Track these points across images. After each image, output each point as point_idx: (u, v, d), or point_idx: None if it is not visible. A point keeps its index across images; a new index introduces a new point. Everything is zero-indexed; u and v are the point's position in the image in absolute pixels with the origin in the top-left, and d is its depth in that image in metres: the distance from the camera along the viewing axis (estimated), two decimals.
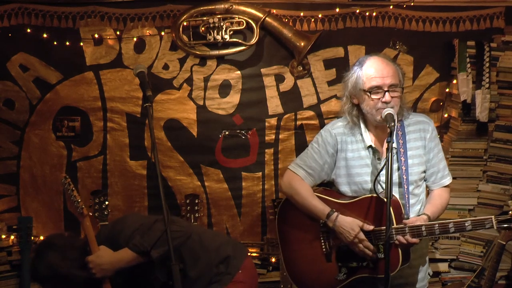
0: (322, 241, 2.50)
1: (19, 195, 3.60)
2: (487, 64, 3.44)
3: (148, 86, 2.29)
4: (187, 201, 3.50)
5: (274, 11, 3.50)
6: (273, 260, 3.59)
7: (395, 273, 2.29)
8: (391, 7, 3.53)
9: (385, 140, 2.24)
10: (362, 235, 2.36)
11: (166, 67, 3.55)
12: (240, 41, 3.48)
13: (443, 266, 3.61)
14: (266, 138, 3.65)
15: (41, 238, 3.52)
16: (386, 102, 2.32)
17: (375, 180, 2.33)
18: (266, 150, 3.66)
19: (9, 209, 3.59)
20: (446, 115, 3.63)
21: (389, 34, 3.58)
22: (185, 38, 3.47)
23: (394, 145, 2.38)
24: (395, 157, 2.39)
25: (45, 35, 3.44)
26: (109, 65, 3.54)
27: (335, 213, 2.43)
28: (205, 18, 3.43)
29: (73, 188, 2.53)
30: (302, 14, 3.52)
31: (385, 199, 2.15)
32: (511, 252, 3.49)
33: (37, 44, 3.47)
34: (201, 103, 3.60)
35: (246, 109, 3.61)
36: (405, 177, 2.37)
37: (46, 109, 3.54)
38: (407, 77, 3.54)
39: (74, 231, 3.55)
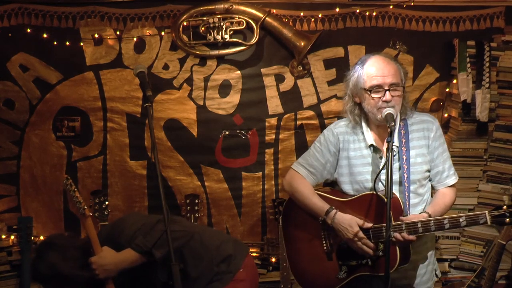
0: (323, 239, 2.51)
1: (19, 195, 3.60)
2: (487, 64, 3.44)
3: (148, 86, 2.29)
4: (187, 201, 3.50)
5: (274, 11, 3.50)
6: (273, 260, 3.59)
7: (393, 271, 2.27)
8: (391, 7, 3.53)
9: (385, 140, 2.24)
10: (360, 233, 2.36)
11: (166, 67, 3.55)
12: (240, 41, 3.48)
13: (443, 266, 3.61)
14: (266, 138, 3.65)
15: (41, 238, 3.52)
16: (386, 101, 2.32)
17: (376, 179, 2.33)
18: (266, 150, 3.66)
19: (9, 209, 3.59)
20: (446, 115, 3.63)
21: (389, 34, 3.58)
22: (185, 38, 3.47)
23: (396, 143, 2.39)
24: (396, 156, 2.39)
25: (45, 35, 3.44)
26: (109, 65, 3.54)
27: (334, 211, 2.44)
28: (205, 18, 3.43)
29: (75, 189, 2.52)
30: (302, 14, 3.52)
31: (386, 199, 2.15)
32: (511, 252, 3.49)
33: (37, 44, 3.47)
34: (201, 103, 3.60)
35: (246, 109, 3.61)
36: (406, 176, 2.37)
37: (46, 109, 3.54)
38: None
39: (74, 231, 3.56)
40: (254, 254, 3.61)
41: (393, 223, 2.27)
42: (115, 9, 3.48)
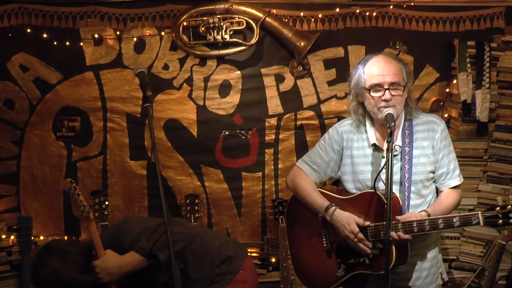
0: (324, 237, 2.52)
1: (19, 195, 3.60)
2: (487, 64, 3.44)
3: (148, 86, 2.29)
4: (187, 201, 3.50)
5: (274, 11, 3.50)
6: (273, 260, 3.58)
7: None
8: (391, 7, 3.53)
9: (385, 140, 2.24)
10: (357, 230, 2.36)
11: (166, 67, 3.55)
12: (240, 41, 3.48)
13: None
14: (266, 138, 3.65)
15: (41, 238, 3.53)
16: (386, 100, 2.32)
17: (376, 179, 2.33)
18: (266, 150, 3.66)
19: (9, 209, 3.59)
20: (446, 115, 3.63)
21: (389, 34, 3.58)
22: (185, 38, 3.47)
23: (400, 143, 2.39)
24: (399, 156, 2.39)
25: (45, 35, 3.44)
26: (109, 65, 3.54)
27: (333, 207, 2.45)
28: (205, 18, 3.43)
29: (79, 193, 2.50)
30: (302, 14, 3.51)
31: (385, 200, 2.14)
32: (511, 252, 3.49)
33: (37, 44, 3.47)
34: (201, 103, 3.60)
35: (246, 109, 3.61)
36: (407, 176, 2.37)
37: (46, 109, 3.54)
38: None
39: (74, 232, 3.59)
40: (254, 254, 3.61)
41: (391, 223, 2.27)
42: (115, 9, 3.48)
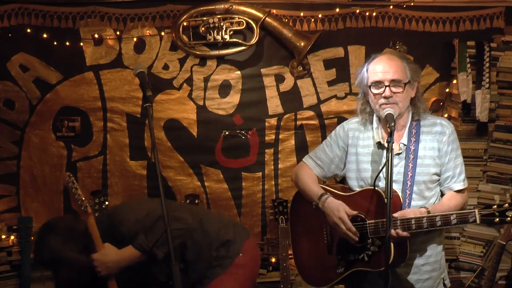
0: (325, 233, 2.52)
1: (19, 195, 3.59)
2: (487, 64, 3.44)
3: (148, 86, 2.29)
4: (187, 201, 3.50)
5: (274, 11, 3.50)
6: (273, 260, 3.58)
7: (383, 269, 2.24)
8: (391, 7, 3.53)
9: (385, 140, 2.24)
10: (346, 217, 2.37)
11: (166, 67, 3.55)
12: (240, 41, 3.48)
13: None
14: (266, 138, 3.65)
15: None
16: (386, 97, 2.32)
17: (376, 178, 2.33)
18: (266, 150, 3.66)
19: (9, 209, 3.59)
20: (446, 115, 3.63)
21: (389, 34, 3.58)
22: (185, 38, 3.47)
23: (405, 141, 2.39)
24: (403, 155, 2.39)
25: (45, 35, 3.44)
26: (109, 65, 3.54)
27: (327, 195, 2.47)
28: (205, 18, 3.43)
29: (77, 187, 2.52)
30: (302, 14, 3.52)
31: (386, 199, 2.14)
32: (511, 252, 3.49)
33: (37, 44, 3.46)
34: (201, 103, 3.60)
35: (246, 109, 3.61)
36: (410, 174, 2.36)
37: (46, 109, 3.54)
38: None
39: None
40: None
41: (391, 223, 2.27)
42: (115, 9, 3.48)
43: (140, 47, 3.53)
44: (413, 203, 2.38)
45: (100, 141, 3.59)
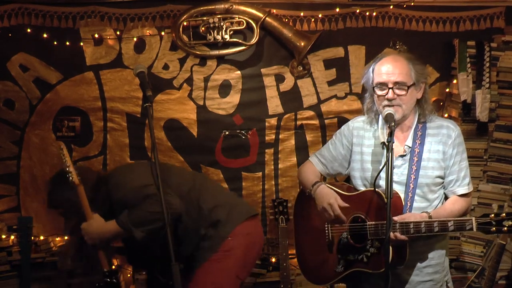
0: (326, 232, 2.52)
1: (19, 195, 3.59)
2: (487, 64, 3.44)
3: (148, 86, 2.30)
4: None
5: (274, 11, 3.50)
6: (273, 260, 3.58)
7: (383, 270, 2.18)
8: (391, 7, 3.53)
9: (386, 140, 2.24)
10: (335, 204, 2.37)
11: (166, 67, 3.55)
12: (240, 41, 3.48)
13: None
14: (266, 138, 3.65)
15: (41, 238, 3.53)
16: (388, 99, 2.32)
17: (376, 178, 2.33)
18: (266, 150, 3.66)
19: (9, 209, 3.59)
20: (446, 115, 3.63)
21: (389, 34, 3.58)
22: (185, 38, 3.47)
23: (410, 144, 2.38)
24: (407, 156, 2.39)
25: (45, 35, 3.44)
26: (109, 65, 3.53)
27: (320, 183, 2.49)
28: (205, 18, 3.43)
29: (67, 157, 2.65)
30: (302, 14, 3.52)
31: (386, 199, 2.14)
32: (511, 252, 3.49)
33: (37, 44, 3.46)
34: (201, 103, 3.60)
35: (246, 109, 3.61)
36: (413, 177, 2.36)
37: (46, 109, 3.54)
38: None
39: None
40: None
41: (391, 223, 2.27)
42: (115, 9, 3.48)
43: (140, 47, 3.53)
44: (415, 205, 2.37)
45: (100, 141, 3.59)
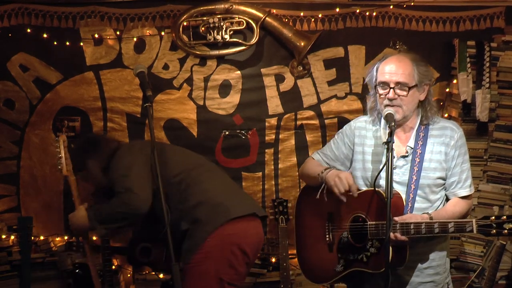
0: (327, 231, 2.52)
1: (19, 195, 3.59)
2: (487, 64, 3.44)
3: (148, 86, 2.30)
4: None
5: (274, 11, 3.50)
6: (273, 260, 3.58)
7: (383, 270, 2.18)
8: (391, 7, 3.53)
9: (386, 140, 2.24)
10: (343, 177, 2.36)
11: (166, 67, 3.55)
12: (240, 41, 3.48)
13: None
14: (266, 138, 3.65)
15: (41, 238, 3.53)
16: (389, 99, 2.32)
17: (376, 178, 2.32)
18: (266, 150, 3.66)
19: (9, 209, 3.58)
20: (446, 115, 3.63)
21: (389, 34, 3.58)
22: (185, 38, 3.47)
23: (412, 145, 2.38)
24: (409, 157, 2.38)
25: (45, 35, 3.44)
26: (109, 65, 3.53)
27: (331, 168, 2.48)
28: (205, 18, 3.43)
29: (60, 148, 2.83)
30: (302, 14, 3.52)
31: (386, 199, 2.14)
32: (511, 252, 3.49)
33: (37, 44, 3.46)
34: (201, 103, 3.60)
35: (246, 109, 3.61)
36: (415, 178, 2.35)
37: (46, 109, 3.54)
38: None
39: None
40: None
41: (391, 223, 2.26)
42: (115, 9, 3.48)
43: (140, 47, 3.53)
44: (416, 205, 2.36)
45: None
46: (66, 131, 3.56)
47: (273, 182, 3.68)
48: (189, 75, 3.57)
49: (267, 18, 3.45)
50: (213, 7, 3.43)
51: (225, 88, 3.60)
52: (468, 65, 3.44)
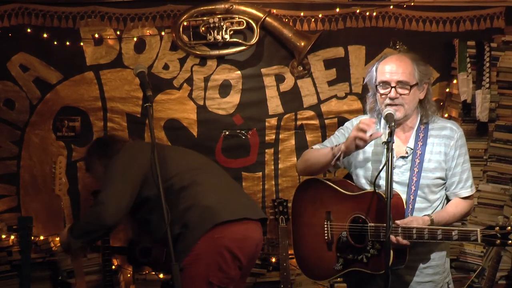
0: (326, 229, 2.52)
1: (19, 195, 3.59)
2: (487, 64, 3.44)
3: (148, 86, 2.30)
4: None
5: (274, 11, 3.50)
6: (273, 260, 3.58)
7: (383, 272, 2.20)
8: (391, 7, 3.53)
9: (386, 140, 2.23)
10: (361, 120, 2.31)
11: (166, 67, 3.55)
12: (240, 41, 3.48)
13: None
14: (266, 138, 3.65)
15: (41, 238, 3.52)
16: (391, 98, 2.32)
17: (376, 178, 2.32)
18: (266, 150, 3.66)
19: (9, 209, 3.58)
20: (446, 115, 3.63)
21: (389, 34, 3.58)
22: (185, 38, 3.47)
23: (412, 145, 2.38)
24: (409, 157, 2.38)
25: (45, 35, 3.44)
26: (109, 65, 3.53)
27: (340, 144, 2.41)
28: (205, 18, 3.43)
29: (55, 170, 3.04)
30: (302, 14, 3.52)
31: (386, 199, 2.14)
32: (511, 252, 3.49)
33: (37, 44, 3.46)
34: (201, 103, 3.60)
35: (246, 109, 3.61)
36: (415, 178, 2.35)
37: (46, 109, 3.54)
38: None
39: None
40: None
41: (391, 224, 2.26)
42: (115, 9, 3.48)
43: (140, 47, 3.53)
44: (416, 205, 2.36)
45: None
46: (66, 131, 3.56)
47: (273, 182, 3.68)
48: (189, 75, 3.57)
49: (267, 18, 3.45)
50: (213, 7, 3.43)
51: (225, 88, 3.60)
52: (468, 65, 3.44)
